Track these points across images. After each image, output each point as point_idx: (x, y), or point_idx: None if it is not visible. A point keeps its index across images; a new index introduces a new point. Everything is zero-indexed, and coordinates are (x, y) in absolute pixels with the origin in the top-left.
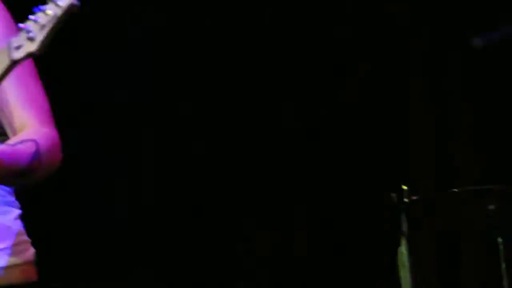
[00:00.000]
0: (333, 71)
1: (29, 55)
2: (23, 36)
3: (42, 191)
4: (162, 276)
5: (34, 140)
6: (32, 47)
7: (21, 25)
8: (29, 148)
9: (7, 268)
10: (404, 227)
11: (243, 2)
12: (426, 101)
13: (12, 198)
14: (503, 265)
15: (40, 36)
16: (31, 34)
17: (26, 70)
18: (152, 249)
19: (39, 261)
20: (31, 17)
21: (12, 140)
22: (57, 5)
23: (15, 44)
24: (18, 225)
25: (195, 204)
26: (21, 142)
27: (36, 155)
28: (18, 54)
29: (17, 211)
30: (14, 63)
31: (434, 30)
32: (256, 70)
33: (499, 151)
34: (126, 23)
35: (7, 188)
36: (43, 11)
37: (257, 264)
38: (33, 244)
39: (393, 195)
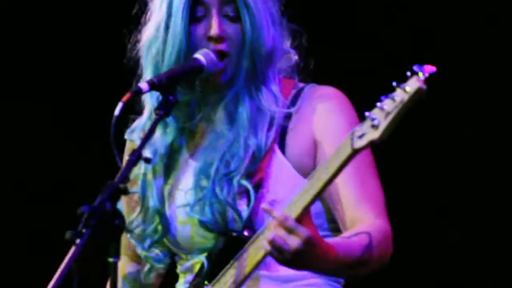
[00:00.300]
0: None
1: (370, 143)
2: (367, 124)
3: None
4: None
5: (368, 233)
6: (374, 134)
7: (366, 113)
8: (362, 240)
9: None
10: None
11: None
12: None
13: None
14: None
15: (384, 124)
16: (375, 122)
17: (364, 162)
18: None
19: None
20: (377, 104)
21: (347, 233)
22: (404, 90)
23: (358, 133)
24: None
25: None
26: (356, 234)
27: (368, 248)
28: (360, 143)
29: None
30: (355, 152)
31: None
32: None
33: None
34: None
35: (337, 285)
36: (391, 98)
37: None
38: None
39: None
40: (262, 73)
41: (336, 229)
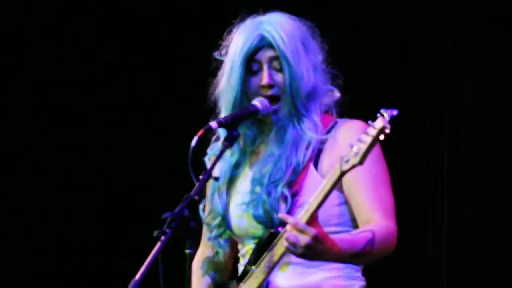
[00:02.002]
0: None
1: (353, 167)
2: (351, 152)
3: None
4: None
5: (372, 230)
6: (355, 160)
7: (350, 143)
8: (366, 236)
9: None
10: None
11: None
12: None
13: (358, 274)
14: None
15: (361, 152)
16: (356, 150)
17: (376, 174)
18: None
19: None
20: (357, 137)
21: (356, 230)
22: (373, 127)
23: (345, 159)
24: None
25: None
26: (362, 231)
27: (370, 243)
28: (346, 166)
29: (361, 283)
30: (342, 173)
31: None
32: None
33: None
34: None
35: (355, 267)
36: (366, 133)
37: None
38: None
39: None
40: (303, 108)
41: (357, 226)
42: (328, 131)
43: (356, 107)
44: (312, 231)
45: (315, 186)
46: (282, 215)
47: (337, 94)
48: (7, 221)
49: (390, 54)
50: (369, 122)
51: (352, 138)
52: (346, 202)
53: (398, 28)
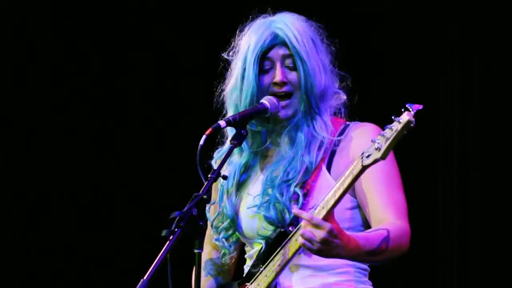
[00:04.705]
0: None
1: (375, 161)
2: (373, 146)
3: None
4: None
5: (386, 229)
6: (377, 155)
7: (372, 138)
8: (380, 234)
9: None
10: None
11: None
12: None
13: (365, 278)
14: None
15: (384, 147)
16: (378, 145)
17: (389, 174)
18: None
19: None
20: (381, 132)
21: (371, 229)
22: (398, 122)
23: (366, 154)
24: None
25: None
26: (376, 230)
27: (385, 240)
28: (367, 161)
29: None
30: (364, 168)
31: None
32: None
33: None
34: None
35: (363, 271)
36: (389, 128)
37: None
38: None
39: None
40: (316, 107)
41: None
42: (340, 133)
43: (364, 110)
44: (327, 225)
45: (327, 188)
46: (296, 210)
47: (343, 97)
48: (6, 221)
49: (393, 54)
50: (393, 116)
51: (365, 141)
52: (358, 206)
53: (400, 29)
